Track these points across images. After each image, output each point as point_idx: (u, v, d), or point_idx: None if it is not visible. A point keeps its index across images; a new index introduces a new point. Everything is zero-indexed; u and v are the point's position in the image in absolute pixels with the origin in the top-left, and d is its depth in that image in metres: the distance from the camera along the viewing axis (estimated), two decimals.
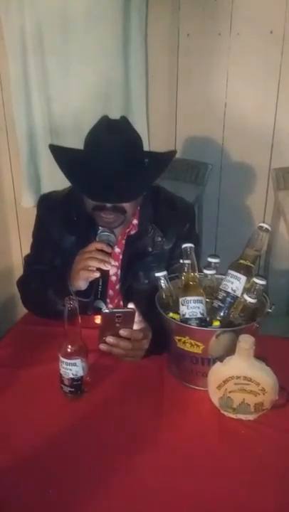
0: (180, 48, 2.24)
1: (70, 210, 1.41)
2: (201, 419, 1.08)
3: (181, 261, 1.19)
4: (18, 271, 1.57)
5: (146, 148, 2.21)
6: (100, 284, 1.25)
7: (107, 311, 1.10)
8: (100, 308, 1.17)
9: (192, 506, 0.90)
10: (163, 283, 1.21)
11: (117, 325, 1.10)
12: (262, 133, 2.26)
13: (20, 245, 2.51)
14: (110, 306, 1.50)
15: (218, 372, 1.06)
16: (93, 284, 1.26)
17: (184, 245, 1.18)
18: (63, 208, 1.44)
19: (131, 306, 1.14)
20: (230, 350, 1.05)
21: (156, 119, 2.35)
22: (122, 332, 1.11)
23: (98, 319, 1.19)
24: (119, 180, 1.24)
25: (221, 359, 1.06)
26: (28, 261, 1.52)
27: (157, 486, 0.93)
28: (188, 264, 1.18)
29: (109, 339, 1.11)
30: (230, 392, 1.05)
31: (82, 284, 1.26)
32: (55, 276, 1.35)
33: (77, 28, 2.08)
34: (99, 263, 1.22)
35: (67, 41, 2.10)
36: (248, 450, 1.01)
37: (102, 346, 1.12)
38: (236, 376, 1.03)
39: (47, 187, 2.26)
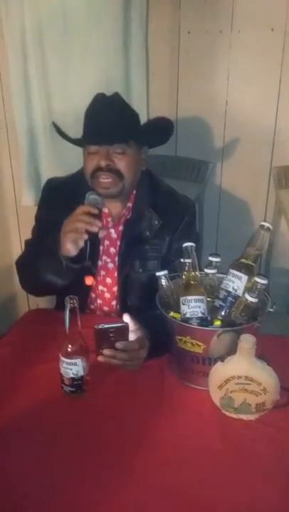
0: (181, 45, 2.23)
1: (72, 191, 1.40)
2: (202, 419, 1.08)
3: (182, 260, 1.18)
4: None
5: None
6: (88, 246, 1.24)
7: (100, 326, 1.09)
8: (90, 269, 1.16)
9: (193, 506, 0.90)
10: (164, 282, 1.21)
11: (112, 338, 1.10)
12: (263, 131, 2.26)
13: (20, 244, 2.50)
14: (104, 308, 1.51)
15: (220, 371, 1.05)
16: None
17: (185, 244, 1.18)
18: (66, 188, 1.45)
19: (126, 317, 1.14)
20: (232, 350, 1.05)
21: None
22: (118, 345, 1.11)
23: (88, 281, 1.20)
24: (107, 125, 1.30)
25: (222, 359, 1.06)
26: (29, 242, 1.51)
27: (158, 485, 0.93)
28: (189, 263, 1.17)
29: (106, 352, 1.11)
30: (231, 392, 1.04)
31: (70, 248, 1.24)
32: (49, 249, 1.34)
33: (77, 26, 2.07)
34: (86, 225, 1.22)
35: (67, 39, 2.09)
36: (249, 450, 1.01)
37: (100, 358, 1.12)
38: (237, 376, 1.03)
39: None
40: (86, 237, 1.22)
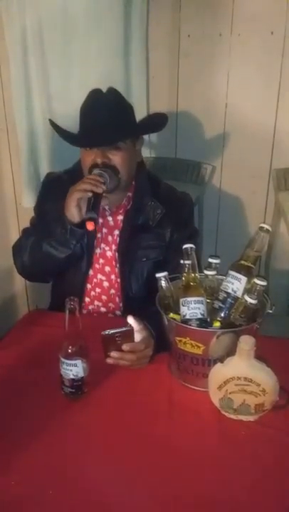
0: (181, 48, 2.24)
1: (71, 182, 1.41)
2: (201, 419, 1.08)
3: (182, 261, 1.19)
4: None
5: (146, 150, 2.21)
6: (92, 200, 1.28)
7: (106, 332, 1.12)
8: (92, 218, 1.25)
9: (192, 507, 0.90)
10: (163, 283, 1.21)
11: (118, 342, 1.13)
12: (262, 133, 2.26)
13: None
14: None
15: (219, 373, 1.06)
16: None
17: (185, 246, 1.18)
18: (65, 179, 1.47)
19: (130, 319, 1.15)
20: (231, 351, 1.05)
21: None
22: (125, 347, 1.14)
23: (90, 226, 1.25)
24: (101, 126, 1.33)
25: (221, 360, 1.06)
26: (27, 230, 1.53)
27: (157, 486, 0.93)
28: (188, 264, 1.18)
29: (114, 354, 1.14)
30: (230, 393, 1.05)
31: (74, 213, 1.29)
32: (53, 218, 1.37)
33: (78, 29, 2.08)
34: (91, 186, 1.27)
35: (68, 41, 2.10)
36: (249, 451, 1.01)
37: (109, 360, 1.15)
38: (237, 377, 1.03)
39: None
40: (90, 194, 1.27)
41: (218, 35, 2.17)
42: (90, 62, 2.13)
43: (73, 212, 1.29)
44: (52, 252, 1.35)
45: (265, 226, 1.15)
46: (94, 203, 1.28)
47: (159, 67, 2.28)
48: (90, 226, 1.25)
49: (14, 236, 2.52)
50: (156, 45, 2.23)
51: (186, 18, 2.19)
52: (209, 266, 1.22)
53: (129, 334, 1.14)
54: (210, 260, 1.22)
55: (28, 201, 2.32)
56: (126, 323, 1.15)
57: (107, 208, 1.45)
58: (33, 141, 2.24)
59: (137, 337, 1.15)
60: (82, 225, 1.30)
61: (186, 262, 1.18)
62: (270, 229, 1.15)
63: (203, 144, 2.36)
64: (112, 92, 1.42)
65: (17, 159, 2.32)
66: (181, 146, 2.38)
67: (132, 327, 1.14)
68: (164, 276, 1.21)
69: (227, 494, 0.92)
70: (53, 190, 1.50)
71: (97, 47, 2.12)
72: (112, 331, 1.12)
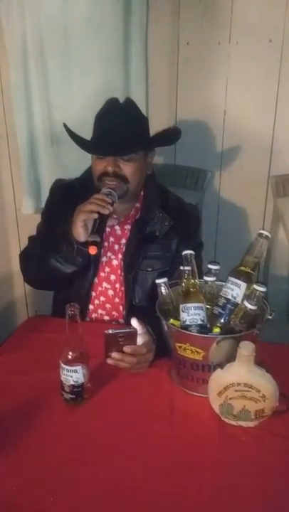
0: (180, 56, 2.25)
1: (80, 190, 1.43)
2: (201, 425, 1.08)
3: (182, 267, 1.19)
4: (18, 277, 1.58)
5: None
6: (98, 222, 1.29)
7: (110, 331, 1.12)
8: (95, 241, 1.26)
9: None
10: (163, 289, 1.21)
11: (121, 343, 1.13)
12: (261, 140, 2.28)
13: (20, 251, 2.51)
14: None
15: (219, 378, 1.06)
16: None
17: (184, 252, 1.19)
18: (74, 187, 1.48)
19: (134, 322, 1.16)
20: (231, 357, 1.06)
21: (156, 126, 2.36)
22: (126, 349, 1.14)
23: (92, 250, 1.26)
24: (117, 136, 1.34)
25: (221, 366, 1.07)
26: (34, 238, 1.54)
27: (158, 492, 0.93)
28: (188, 270, 1.18)
29: (115, 355, 1.14)
30: (230, 398, 1.05)
31: (81, 232, 1.29)
32: (61, 233, 1.38)
33: (78, 36, 2.09)
34: (98, 207, 1.28)
35: (68, 48, 2.11)
36: (249, 457, 1.01)
37: (109, 361, 1.15)
38: (237, 383, 1.03)
39: (47, 193, 2.26)
40: (96, 216, 1.27)
41: (216, 43, 2.19)
42: (90, 69, 2.15)
43: (80, 232, 1.29)
44: (58, 267, 1.36)
45: (265, 232, 1.15)
46: (99, 225, 1.29)
47: (158, 74, 2.29)
48: (92, 250, 1.26)
49: (13, 242, 2.54)
50: (156, 52, 2.25)
51: (185, 25, 2.20)
52: (209, 272, 1.22)
53: (132, 336, 1.14)
54: (209, 266, 1.23)
55: (27, 207, 2.33)
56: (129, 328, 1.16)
57: (114, 217, 1.46)
58: (33, 147, 2.25)
59: (139, 340, 1.16)
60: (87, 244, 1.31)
61: (186, 268, 1.18)
62: (269, 235, 1.16)
63: (202, 151, 2.37)
64: (129, 103, 1.43)
65: (17, 166, 2.33)
66: (180, 152, 2.39)
67: (136, 329, 1.15)
68: (164, 283, 1.22)
69: (228, 500, 0.92)
70: (63, 197, 1.50)
71: (97, 54, 2.13)
72: (116, 331, 1.13)
